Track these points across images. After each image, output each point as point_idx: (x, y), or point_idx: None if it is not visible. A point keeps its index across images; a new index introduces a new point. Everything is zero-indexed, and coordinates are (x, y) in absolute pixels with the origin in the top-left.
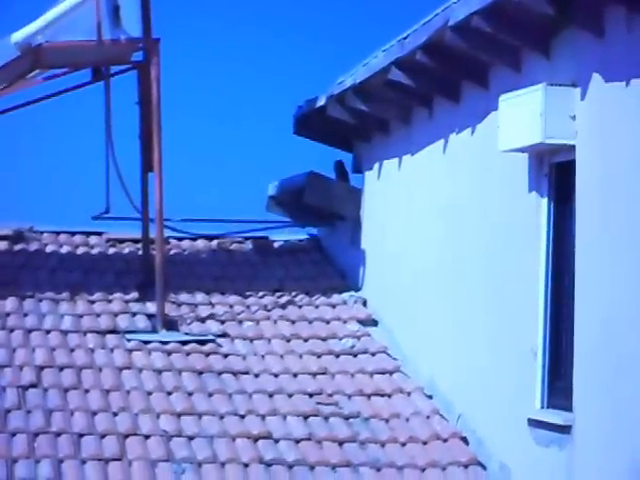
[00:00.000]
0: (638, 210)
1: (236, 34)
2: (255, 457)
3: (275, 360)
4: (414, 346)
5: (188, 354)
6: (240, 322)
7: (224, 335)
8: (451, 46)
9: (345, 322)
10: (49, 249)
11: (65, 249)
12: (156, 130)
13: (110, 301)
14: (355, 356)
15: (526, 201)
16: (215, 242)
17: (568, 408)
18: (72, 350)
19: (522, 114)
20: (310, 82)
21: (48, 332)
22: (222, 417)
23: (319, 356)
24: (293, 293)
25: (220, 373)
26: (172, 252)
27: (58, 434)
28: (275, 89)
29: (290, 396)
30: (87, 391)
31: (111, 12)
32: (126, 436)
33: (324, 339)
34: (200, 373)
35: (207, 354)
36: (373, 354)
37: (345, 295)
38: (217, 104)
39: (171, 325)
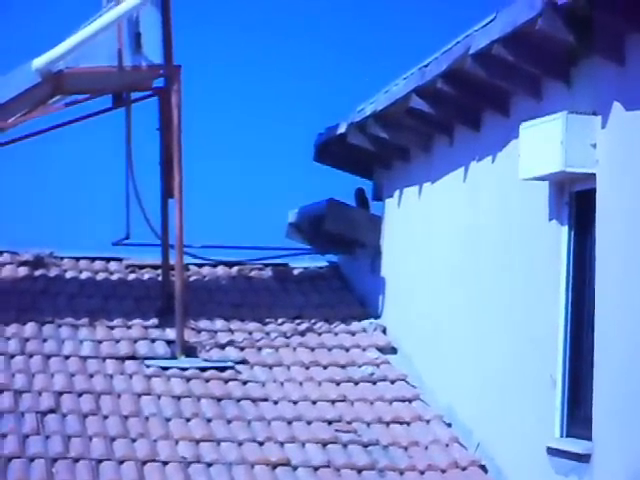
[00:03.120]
0: None
1: (257, 61)
2: None
3: (294, 387)
4: (433, 374)
5: (207, 380)
6: (259, 349)
7: (243, 362)
8: (472, 74)
9: (364, 350)
10: (69, 275)
11: (85, 275)
12: (176, 156)
13: (129, 327)
14: (374, 384)
15: (546, 229)
16: (235, 269)
17: (587, 437)
18: (91, 376)
19: (543, 142)
20: (331, 109)
21: (67, 358)
22: (241, 444)
23: (338, 383)
24: (312, 320)
25: (239, 400)
26: (192, 278)
27: (77, 460)
28: (296, 116)
29: (309, 423)
30: (106, 417)
31: (132, 38)
32: (144, 462)
33: (343, 366)
34: (219, 400)
35: (226, 381)
36: (392, 382)
37: (365, 323)
38: (237, 131)
39: (190, 351)
